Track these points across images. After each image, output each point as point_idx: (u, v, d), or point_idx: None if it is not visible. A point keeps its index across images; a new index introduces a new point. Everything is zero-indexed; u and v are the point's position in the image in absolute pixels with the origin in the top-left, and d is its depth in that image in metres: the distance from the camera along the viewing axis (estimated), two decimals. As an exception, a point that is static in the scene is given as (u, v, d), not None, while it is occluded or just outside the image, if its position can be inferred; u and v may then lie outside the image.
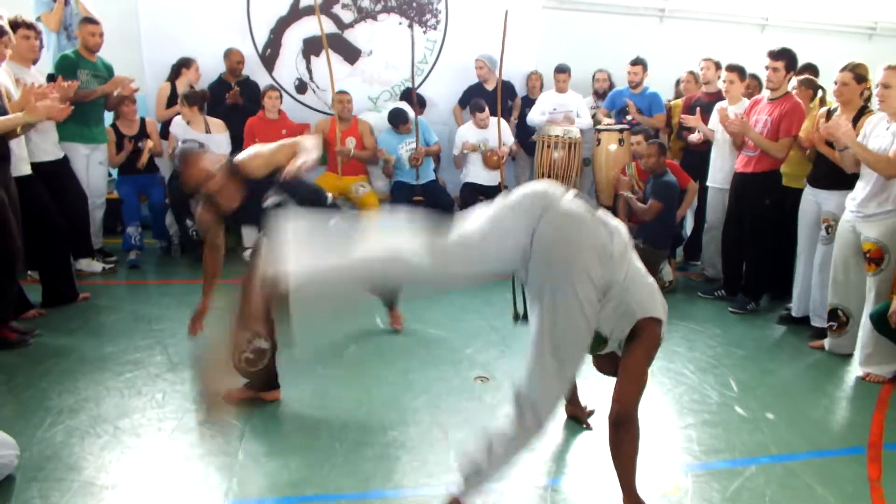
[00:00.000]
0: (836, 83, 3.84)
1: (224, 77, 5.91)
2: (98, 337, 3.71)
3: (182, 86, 5.55)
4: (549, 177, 5.75)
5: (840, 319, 3.65)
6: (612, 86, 6.38)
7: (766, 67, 4.30)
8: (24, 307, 3.92)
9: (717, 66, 5.54)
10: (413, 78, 5.78)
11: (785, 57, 4.23)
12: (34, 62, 4.23)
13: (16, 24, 3.97)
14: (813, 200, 3.98)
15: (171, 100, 5.54)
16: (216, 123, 5.38)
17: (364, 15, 6.35)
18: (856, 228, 3.49)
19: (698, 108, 5.00)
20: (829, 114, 3.95)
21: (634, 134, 5.35)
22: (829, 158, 3.79)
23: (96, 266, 4.82)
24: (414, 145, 5.66)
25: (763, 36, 7.25)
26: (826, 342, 3.79)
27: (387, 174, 5.85)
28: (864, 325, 3.43)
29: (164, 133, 5.38)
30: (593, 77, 6.46)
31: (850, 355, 3.65)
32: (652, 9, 7.19)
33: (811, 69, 4.97)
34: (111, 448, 2.57)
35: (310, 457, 2.56)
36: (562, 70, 6.17)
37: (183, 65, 5.59)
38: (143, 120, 5.25)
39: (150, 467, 2.46)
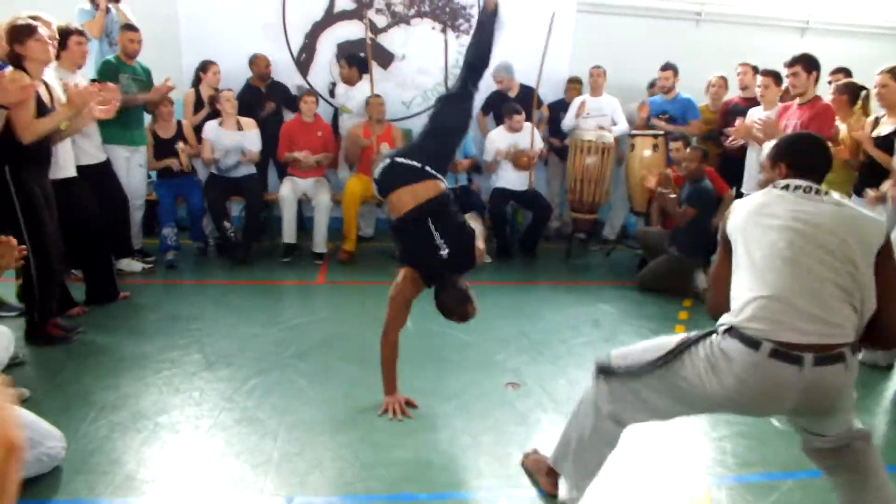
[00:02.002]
0: (875, 86, 3.78)
1: (252, 82, 6.01)
2: (138, 335, 3.81)
3: (205, 89, 5.67)
4: (581, 182, 5.73)
5: None
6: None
7: (787, 76, 4.27)
8: (69, 305, 4.05)
9: (755, 70, 5.47)
10: (446, 82, 5.79)
11: (800, 61, 4.17)
12: (79, 67, 4.36)
13: (68, 32, 4.11)
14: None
15: (197, 105, 5.68)
16: (248, 122, 5.48)
17: (397, 20, 6.41)
18: None
19: (740, 119, 4.91)
20: (877, 121, 3.87)
21: (674, 140, 5.31)
22: (879, 163, 3.70)
23: (136, 266, 4.94)
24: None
25: (803, 40, 7.12)
26: (860, 355, 3.69)
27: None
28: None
29: (199, 136, 5.50)
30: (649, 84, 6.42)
31: (889, 367, 3.57)
32: (688, 12, 7.12)
33: (844, 72, 4.87)
34: (151, 443, 2.64)
35: (341, 457, 2.60)
36: (597, 68, 6.14)
37: (201, 69, 5.70)
38: (179, 122, 5.37)
39: (187, 463, 2.52)
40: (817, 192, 1.93)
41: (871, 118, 4.02)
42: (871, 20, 7.31)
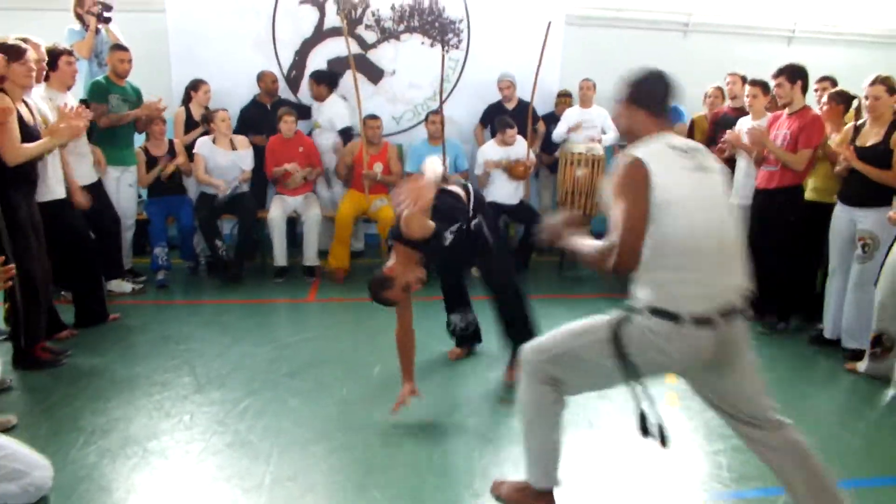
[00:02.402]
0: (866, 97, 3.79)
1: (259, 98, 6.02)
2: (128, 357, 3.78)
3: (195, 108, 5.67)
4: (572, 194, 5.73)
5: (884, 345, 3.55)
6: None
7: (773, 87, 4.32)
8: (58, 328, 4.01)
9: (744, 80, 5.48)
10: (441, 97, 5.80)
11: (784, 72, 4.22)
12: (69, 88, 4.34)
13: (58, 52, 4.11)
14: (846, 218, 3.90)
15: (188, 123, 5.67)
16: (241, 140, 5.48)
17: (387, 35, 6.42)
18: None
19: (733, 129, 4.92)
20: (858, 129, 3.90)
21: None
22: (864, 174, 3.71)
23: (126, 287, 4.91)
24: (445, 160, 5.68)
25: (790, 49, 7.16)
26: (861, 365, 3.69)
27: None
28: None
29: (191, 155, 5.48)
30: None
31: (887, 379, 3.56)
32: (676, 23, 7.16)
33: (829, 80, 4.90)
34: (140, 470, 2.61)
35: (334, 481, 2.57)
36: (586, 80, 6.16)
37: (192, 87, 5.70)
38: (170, 141, 5.35)
39: (178, 490, 2.49)
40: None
41: (848, 125, 4.04)
42: (856, 28, 7.36)
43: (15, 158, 3.35)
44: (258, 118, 5.89)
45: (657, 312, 1.91)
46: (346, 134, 5.94)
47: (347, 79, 6.37)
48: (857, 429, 3.13)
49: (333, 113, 5.89)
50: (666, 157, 1.97)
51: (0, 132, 3.30)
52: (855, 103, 4.40)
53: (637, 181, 1.91)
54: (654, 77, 2.08)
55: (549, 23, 5.37)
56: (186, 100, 5.76)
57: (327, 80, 5.98)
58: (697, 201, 1.94)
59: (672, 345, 1.91)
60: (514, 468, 2.66)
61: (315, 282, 5.39)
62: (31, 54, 3.45)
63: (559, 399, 2.19)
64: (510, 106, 6.13)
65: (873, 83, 3.75)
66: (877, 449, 2.98)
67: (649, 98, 2.06)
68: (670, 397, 3.35)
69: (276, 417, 3.06)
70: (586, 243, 2.08)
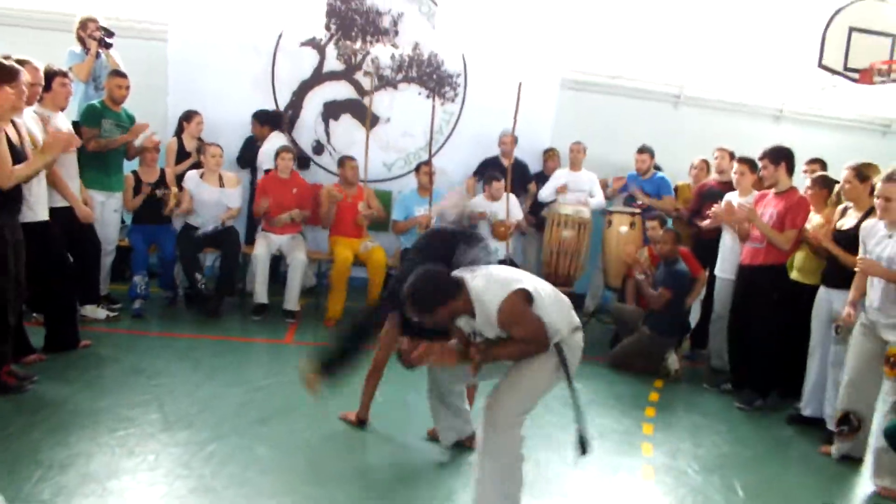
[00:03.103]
0: (842, 181, 3.90)
1: (255, 135, 6.07)
2: (95, 388, 3.67)
3: (187, 139, 5.67)
4: (557, 255, 5.76)
5: (852, 424, 3.55)
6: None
7: (760, 169, 4.44)
8: (26, 351, 3.89)
9: (732, 156, 5.62)
10: (431, 149, 5.86)
11: (767, 155, 4.35)
12: (62, 109, 4.33)
13: (53, 73, 4.10)
14: (826, 299, 3.96)
15: (179, 154, 5.64)
16: (230, 178, 5.47)
17: (385, 83, 6.51)
18: (875, 333, 3.42)
19: (719, 202, 4.98)
20: (845, 211, 3.97)
21: (651, 219, 5.38)
22: (836, 256, 3.79)
23: (101, 313, 4.80)
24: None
25: (778, 127, 7.37)
26: (833, 448, 3.68)
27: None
28: (877, 436, 3.32)
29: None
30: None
31: (859, 461, 3.55)
32: (668, 94, 7.35)
33: (820, 163, 5.03)
34: (97, 511, 2.50)
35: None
36: (577, 144, 6.26)
37: (185, 118, 5.71)
38: (162, 170, 5.33)
39: (134, 537, 2.39)
40: None
41: (840, 207, 4.12)
42: (842, 113, 7.60)
43: (6, 181, 3.31)
44: (249, 154, 5.93)
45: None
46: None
47: (343, 122, 6.48)
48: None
49: (273, 148, 5.73)
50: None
51: None
52: (836, 188, 4.51)
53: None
54: None
55: (520, 84, 5.48)
56: (179, 131, 5.76)
57: (270, 122, 6.00)
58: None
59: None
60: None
61: (293, 324, 5.31)
62: (23, 77, 3.43)
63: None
64: (506, 162, 6.17)
65: (847, 168, 3.87)
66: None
67: None
68: (646, 472, 3.32)
69: (242, 465, 2.96)
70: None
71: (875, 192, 3.41)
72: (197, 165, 5.50)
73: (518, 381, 2.55)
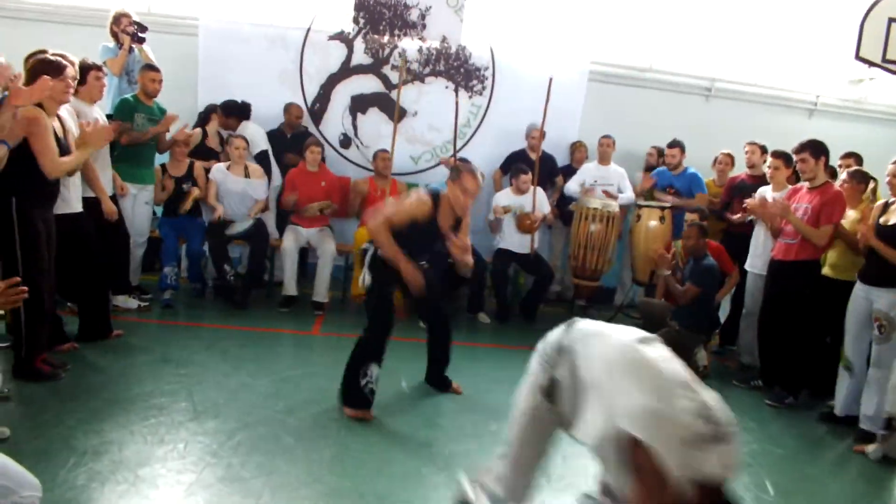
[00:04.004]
0: (888, 175, 3.79)
1: (282, 128, 6.13)
2: (127, 377, 3.74)
3: (212, 131, 5.73)
4: (584, 249, 5.72)
5: (894, 428, 3.48)
6: (663, 161, 6.36)
7: (796, 162, 4.33)
8: (61, 339, 3.98)
9: (763, 150, 5.53)
10: (455, 142, 5.85)
11: (808, 147, 4.24)
12: (96, 101, 4.40)
13: (88, 67, 4.16)
14: (864, 297, 3.86)
15: (200, 146, 5.67)
16: (255, 170, 5.51)
17: (412, 77, 6.51)
18: None
19: (752, 196, 4.90)
20: (887, 206, 3.87)
21: (691, 212, 5.30)
22: (881, 254, 3.69)
23: (132, 303, 4.89)
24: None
25: (811, 121, 7.22)
26: (871, 448, 3.60)
27: None
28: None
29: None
30: (646, 153, 6.54)
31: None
32: (698, 87, 7.24)
33: (855, 157, 4.92)
34: (129, 497, 2.55)
35: (326, 526, 2.51)
36: (606, 137, 6.20)
37: (212, 111, 5.77)
38: (191, 163, 5.39)
39: (165, 523, 2.43)
40: None
41: (879, 202, 4.02)
42: (877, 104, 7.42)
43: (55, 171, 3.41)
44: (276, 148, 5.99)
45: None
46: (264, 158, 5.82)
47: (370, 115, 6.49)
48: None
49: (249, 136, 5.68)
50: None
51: (39, 145, 3.35)
52: (871, 185, 4.41)
53: None
54: None
55: (551, 79, 5.42)
56: (203, 122, 5.80)
57: (237, 113, 5.90)
58: None
59: None
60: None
61: (321, 315, 5.35)
62: (69, 71, 3.51)
63: None
64: (534, 156, 6.13)
65: (894, 162, 3.76)
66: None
67: None
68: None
69: (270, 455, 2.99)
70: None
71: None
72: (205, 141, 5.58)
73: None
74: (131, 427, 3.12)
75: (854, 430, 3.85)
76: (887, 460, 3.53)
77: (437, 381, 4.01)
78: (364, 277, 3.63)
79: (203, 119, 5.85)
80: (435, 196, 3.54)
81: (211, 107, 5.82)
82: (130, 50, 5.35)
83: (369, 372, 3.48)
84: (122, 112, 4.86)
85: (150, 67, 5.06)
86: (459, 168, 3.55)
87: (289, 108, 6.15)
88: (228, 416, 3.35)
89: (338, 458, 3.05)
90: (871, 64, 6.21)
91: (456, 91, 6.31)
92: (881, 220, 3.80)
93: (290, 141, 6.04)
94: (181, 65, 5.93)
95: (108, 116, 4.77)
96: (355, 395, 3.49)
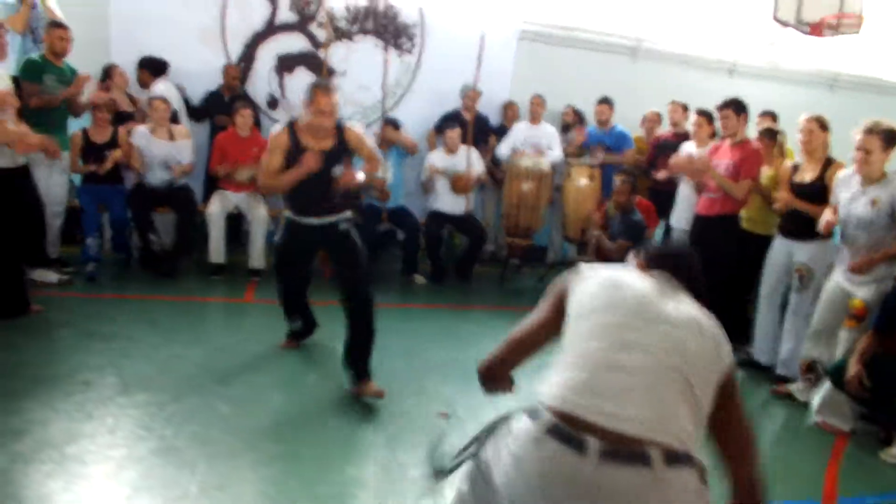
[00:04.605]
0: (800, 132, 3.96)
1: (221, 90, 5.91)
2: (48, 354, 3.58)
3: (117, 93, 5.41)
4: (517, 208, 5.79)
5: (817, 372, 3.71)
6: (577, 120, 6.45)
7: (718, 119, 4.48)
8: (-28, 317, 3.78)
9: (685, 108, 5.69)
10: (384, 101, 5.77)
11: (731, 105, 4.38)
12: (-1, 62, 4.12)
13: None
14: (784, 250, 4.07)
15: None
16: (180, 131, 5.28)
17: (340, 35, 6.34)
18: (846, 290, 3.55)
19: (677, 153, 5.05)
20: (796, 168, 4.07)
21: (619, 174, 5.38)
22: (802, 210, 3.87)
23: (52, 277, 4.66)
24: (388, 173, 5.64)
25: (731, 81, 7.43)
26: (795, 389, 3.84)
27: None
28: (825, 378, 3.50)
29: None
30: (562, 113, 6.59)
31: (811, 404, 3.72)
32: (625, 47, 7.33)
33: (771, 116, 5.12)
34: (56, 476, 2.47)
35: (263, 492, 2.50)
36: (537, 97, 6.22)
37: (107, 74, 5.41)
38: (115, 129, 5.11)
39: (95, 499, 2.37)
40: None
41: (789, 164, 4.22)
42: (793, 66, 7.72)
43: None
44: (211, 109, 5.81)
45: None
46: (173, 120, 5.47)
47: (298, 75, 6.31)
48: (774, 452, 3.25)
49: (161, 95, 5.37)
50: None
51: None
52: (778, 138, 4.61)
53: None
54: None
55: (483, 35, 5.40)
56: (102, 83, 5.44)
57: (151, 67, 5.66)
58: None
59: (520, 449, 1.36)
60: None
61: (253, 282, 5.24)
62: None
63: None
64: (468, 116, 6.10)
65: (808, 119, 3.93)
66: (790, 472, 3.11)
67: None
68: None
69: (205, 424, 2.95)
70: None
71: (855, 145, 3.45)
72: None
73: None
74: (55, 405, 3.01)
75: (772, 376, 4.10)
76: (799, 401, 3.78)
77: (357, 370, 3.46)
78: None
79: (102, 80, 5.48)
80: (290, 124, 3.42)
81: (106, 68, 5.44)
82: (33, 5, 4.98)
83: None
84: (30, 73, 4.56)
85: (58, 24, 4.74)
86: (311, 87, 3.33)
87: (227, 70, 5.92)
88: (160, 388, 3.27)
89: (274, 424, 3.04)
90: (787, 25, 6.45)
91: (385, 49, 6.19)
92: (796, 180, 3.99)
93: (229, 104, 5.78)
94: (90, 22, 5.56)
95: (14, 79, 4.46)
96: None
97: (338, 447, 2.88)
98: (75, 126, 5.05)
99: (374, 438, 2.99)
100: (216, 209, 5.22)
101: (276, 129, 3.46)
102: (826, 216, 3.61)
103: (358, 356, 3.39)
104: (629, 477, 1.27)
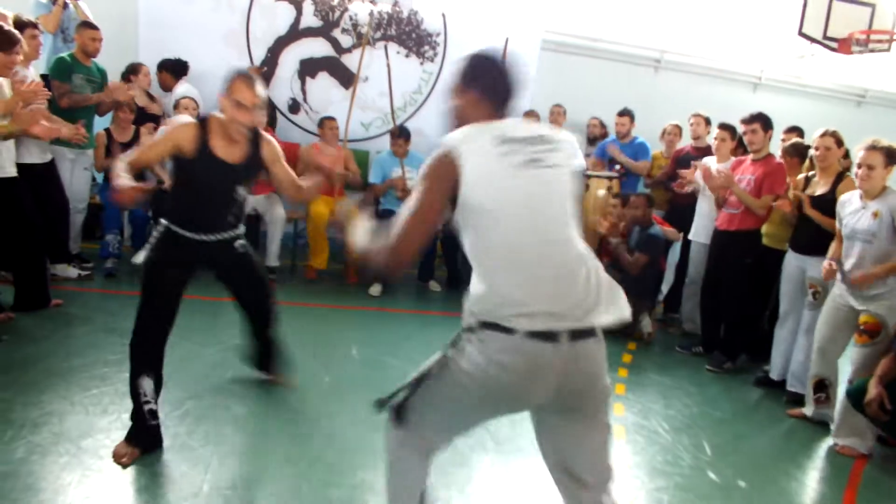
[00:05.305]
0: (816, 149, 3.93)
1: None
2: (67, 348, 3.63)
3: (139, 94, 5.46)
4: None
5: (828, 391, 3.66)
6: (605, 133, 6.44)
7: (744, 133, 4.43)
8: (-6, 310, 3.84)
9: (707, 121, 5.65)
10: (391, 105, 5.82)
11: (758, 119, 4.35)
12: (32, 61, 4.19)
13: (23, 24, 3.99)
14: (796, 265, 4.03)
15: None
16: None
17: (363, 41, 6.38)
18: (849, 302, 3.48)
19: (693, 165, 5.02)
20: (808, 181, 4.03)
21: (636, 197, 5.32)
22: (816, 223, 3.84)
23: (72, 272, 4.73)
24: (408, 175, 5.66)
25: (755, 95, 7.39)
26: (808, 410, 3.76)
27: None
28: (841, 398, 3.44)
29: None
30: (587, 124, 6.56)
31: (828, 424, 3.66)
32: (648, 59, 7.32)
33: (797, 131, 5.07)
34: (71, 469, 2.50)
35: (275, 495, 2.51)
36: (557, 106, 6.21)
37: (131, 71, 5.44)
38: (137, 129, 5.18)
39: (109, 493, 2.39)
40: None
41: (801, 176, 4.18)
42: (817, 81, 7.65)
43: None
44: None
45: (487, 325, 1.67)
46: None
47: (320, 80, 6.36)
48: (792, 473, 3.20)
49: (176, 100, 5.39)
50: (487, 150, 1.69)
51: None
52: (810, 153, 4.55)
53: (439, 174, 1.68)
54: (493, 61, 1.86)
55: (507, 39, 5.40)
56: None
57: (172, 69, 5.69)
58: (516, 206, 1.67)
59: (512, 357, 1.63)
60: (459, 491, 2.64)
61: (271, 281, 5.25)
62: (20, 47, 3.34)
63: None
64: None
65: (823, 135, 3.90)
66: (807, 494, 3.06)
67: (485, 79, 1.82)
68: (617, 431, 3.38)
69: (219, 423, 2.97)
70: (362, 237, 1.86)
71: (857, 161, 3.45)
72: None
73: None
74: (72, 398, 3.05)
75: (785, 393, 4.04)
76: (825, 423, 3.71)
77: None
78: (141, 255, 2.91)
79: (125, 79, 5.54)
80: (202, 120, 2.74)
81: (129, 67, 5.50)
82: (65, 6, 5.08)
83: (142, 388, 2.71)
84: (60, 72, 4.64)
85: (89, 25, 4.82)
86: (231, 75, 2.67)
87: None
88: (175, 385, 3.28)
89: (288, 426, 3.04)
90: (813, 41, 6.39)
91: (386, 53, 6.21)
92: (807, 193, 3.96)
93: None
94: (120, 24, 5.67)
95: (44, 77, 4.55)
96: (138, 428, 2.68)
97: (350, 451, 2.88)
98: (99, 126, 5.13)
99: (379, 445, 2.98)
100: (236, 211, 5.25)
101: (181, 118, 2.85)
102: (825, 265, 3.58)
103: (268, 363, 3.35)
104: (590, 345, 1.68)
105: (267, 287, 3.21)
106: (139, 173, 2.88)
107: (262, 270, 3.22)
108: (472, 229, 1.71)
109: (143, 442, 2.66)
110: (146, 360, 2.78)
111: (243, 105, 2.63)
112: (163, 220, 2.85)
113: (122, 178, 2.53)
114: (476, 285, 1.72)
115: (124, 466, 2.55)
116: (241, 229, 3.00)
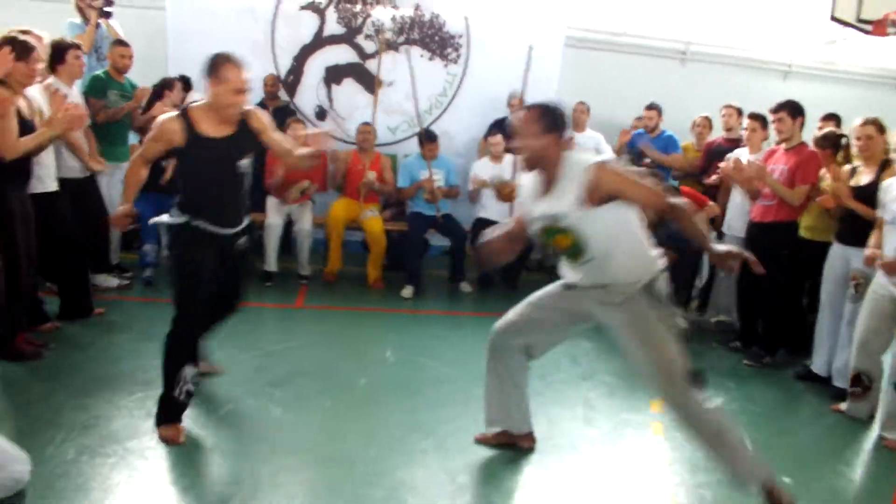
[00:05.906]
0: (857, 139, 3.83)
1: (263, 102, 6.04)
2: (110, 354, 3.73)
3: (168, 109, 5.55)
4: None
5: (864, 384, 3.56)
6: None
7: (772, 122, 4.35)
8: (41, 319, 3.95)
9: (739, 112, 5.57)
10: (416, 108, 5.89)
11: (785, 107, 4.27)
12: (75, 80, 4.32)
13: (67, 46, 4.12)
14: (841, 255, 3.93)
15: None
16: None
17: (388, 46, 6.44)
18: (892, 292, 3.38)
19: (727, 158, 4.94)
20: (854, 171, 3.93)
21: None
22: (860, 214, 3.74)
23: (112, 281, 4.86)
24: (435, 177, 5.69)
25: (786, 84, 7.27)
26: (845, 406, 3.68)
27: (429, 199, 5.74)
28: (887, 390, 3.35)
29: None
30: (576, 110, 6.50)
31: (870, 419, 3.56)
32: (674, 51, 7.24)
33: (834, 119, 4.95)
34: (119, 469, 2.57)
35: (315, 493, 2.55)
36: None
37: (165, 86, 5.43)
38: (168, 142, 5.29)
39: (155, 492, 2.46)
40: None
41: (847, 167, 4.07)
42: (850, 66, 7.49)
43: (12, 152, 3.33)
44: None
45: None
46: None
47: (345, 86, 6.43)
48: (838, 469, 3.13)
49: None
50: None
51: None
52: (843, 142, 4.44)
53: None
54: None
55: (531, 46, 5.39)
56: (156, 99, 5.57)
57: (185, 85, 5.65)
58: None
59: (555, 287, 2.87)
60: (496, 490, 2.65)
61: (303, 287, 5.36)
62: (37, 55, 3.43)
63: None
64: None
65: (864, 124, 3.79)
66: (855, 490, 3.00)
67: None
68: (655, 427, 3.36)
69: (259, 425, 3.04)
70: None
71: (894, 145, 3.36)
72: None
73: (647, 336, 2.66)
74: (118, 402, 3.13)
75: (830, 388, 3.94)
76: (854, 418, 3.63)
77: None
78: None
79: (157, 94, 5.66)
80: (183, 111, 2.84)
81: (163, 82, 5.59)
82: (98, 25, 5.22)
83: (184, 375, 2.85)
84: (95, 89, 4.77)
85: (121, 43, 4.95)
86: (216, 61, 2.77)
87: (265, 80, 6.06)
88: (215, 389, 3.36)
89: (326, 427, 3.09)
90: (846, 24, 6.23)
91: (408, 59, 6.23)
92: (852, 183, 3.86)
93: (272, 116, 5.91)
94: (149, 40, 5.81)
95: (83, 94, 4.68)
96: (169, 407, 2.85)
97: (388, 451, 2.90)
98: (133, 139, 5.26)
99: (424, 444, 3.00)
100: (274, 219, 5.38)
101: (163, 116, 2.92)
102: (867, 252, 3.50)
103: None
104: (597, 290, 2.66)
105: (239, 297, 3.25)
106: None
107: (245, 278, 3.31)
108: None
109: (178, 416, 2.87)
110: (190, 351, 2.94)
111: (240, 89, 2.73)
112: (176, 218, 2.90)
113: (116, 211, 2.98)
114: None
115: (181, 444, 2.75)
116: (247, 221, 3.07)
